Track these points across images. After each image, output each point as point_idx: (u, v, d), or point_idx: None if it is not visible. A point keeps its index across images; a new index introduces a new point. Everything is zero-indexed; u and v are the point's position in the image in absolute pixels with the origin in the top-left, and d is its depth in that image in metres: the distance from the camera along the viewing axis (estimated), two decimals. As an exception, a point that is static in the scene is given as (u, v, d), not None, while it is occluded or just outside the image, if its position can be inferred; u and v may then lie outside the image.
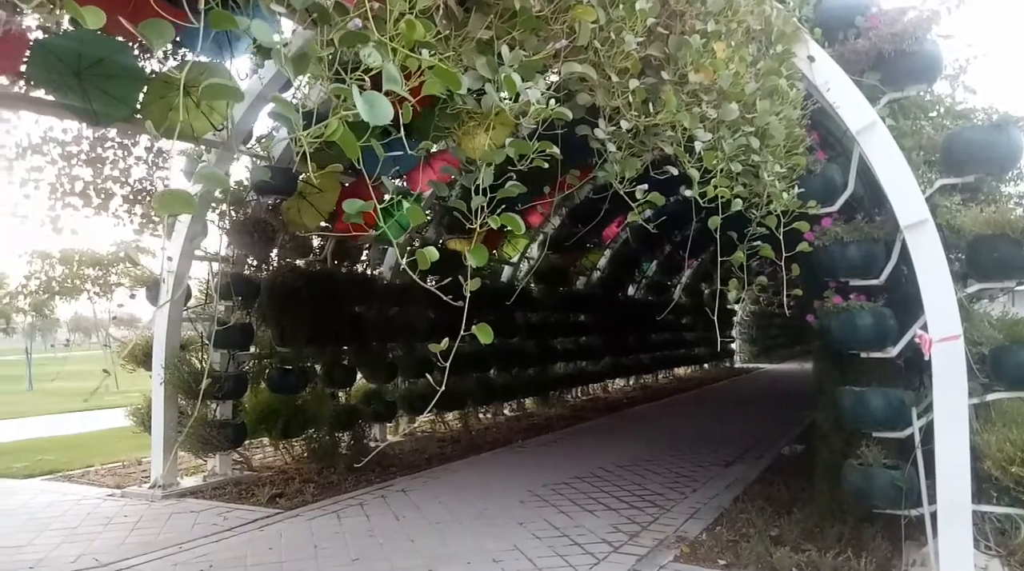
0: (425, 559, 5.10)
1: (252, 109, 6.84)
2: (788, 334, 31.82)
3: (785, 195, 4.13)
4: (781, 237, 4.16)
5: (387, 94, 2.33)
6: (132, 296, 7.35)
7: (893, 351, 4.80)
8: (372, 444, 9.28)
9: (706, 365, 23.08)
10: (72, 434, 12.20)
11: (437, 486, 7.48)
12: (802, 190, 4.43)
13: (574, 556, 5.14)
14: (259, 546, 5.45)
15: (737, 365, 26.13)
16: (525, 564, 4.99)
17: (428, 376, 10.19)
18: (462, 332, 3.06)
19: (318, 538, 5.63)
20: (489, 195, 2.92)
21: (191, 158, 7.07)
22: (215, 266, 7.39)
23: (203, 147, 6.91)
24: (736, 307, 26.39)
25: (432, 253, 2.61)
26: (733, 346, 26.79)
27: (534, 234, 12.64)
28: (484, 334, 2.95)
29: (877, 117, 4.70)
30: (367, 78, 2.35)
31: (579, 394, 15.26)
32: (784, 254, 4.13)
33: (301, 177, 7.31)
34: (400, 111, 2.40)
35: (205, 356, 7.48)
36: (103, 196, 6.10)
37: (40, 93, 5.67)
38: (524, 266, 13.03)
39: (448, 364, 3.06)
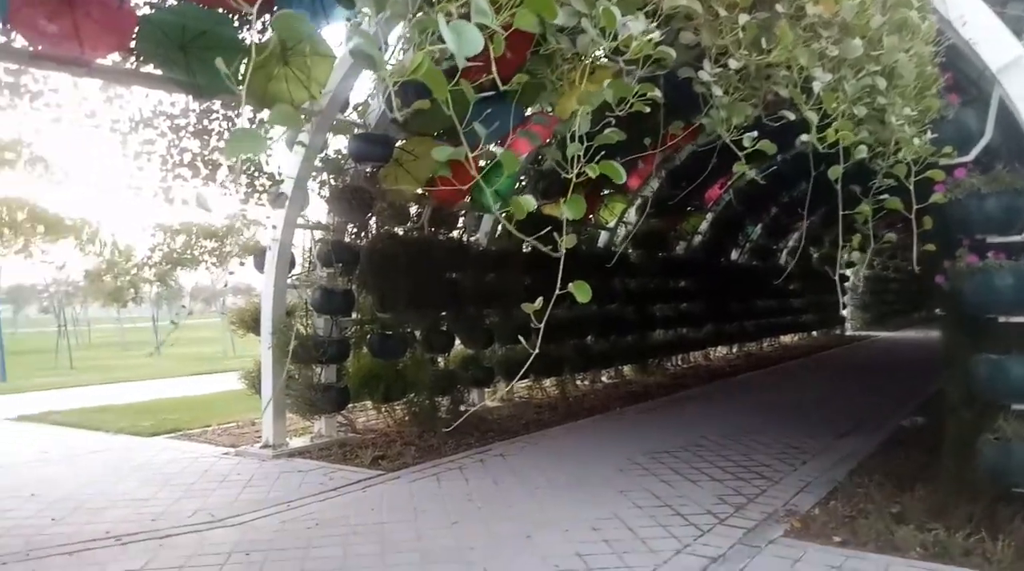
0: (522, 524, 5.06)
1: (348, 77, 6.88)
2: (905, 300, 29.98)
3: (916, 141, 3.72)
4: (912, 187, 3.76)
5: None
6: (241, 264, 7.61)
7: (1038, 315, 4.32)
8: (470, 409, 9.36)
9: (814, 333, 22.06)
10: (193, 396, 12.93)
11: (535, 452, 7.45)
12: (935, 136, 3.99)
13: (676, 527, 4.98)
14: (362, 506, 5.57)
15: (848, 333, 24.83)
16: (625, 533, 4.86)
17: (523, 341, 10.17)
18: (557, 292, 2.90)
19: (418, 500, 5.70)
20: (586, 144, 2.72)
21: (291, 128, 7.19)
22: (317, 234, 7.55)
23: (302, 116, 7.01)
24: (848, 272, 25.01)
25: (529, 202, 2.45)
26: (844, 313, 25.45)
27: (632, 198, 12.30)
28: (582, 292, 2.78)
29: (1023, 51, 4.17)
30: (453, 9, 2.20)
31: (679, 362, 14.89)
32: (915, 206, 3.74)
33: (397, 144, 7.33)
34: (491, 46, 2.23)
35: (309, 322, 7.70)
36: (210, 167, 6.30)
37: (149, 68, 5.88)
38: (621, 232, 12.72)
39: (542, 328, 2.91)
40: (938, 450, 5.62)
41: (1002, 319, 4.52)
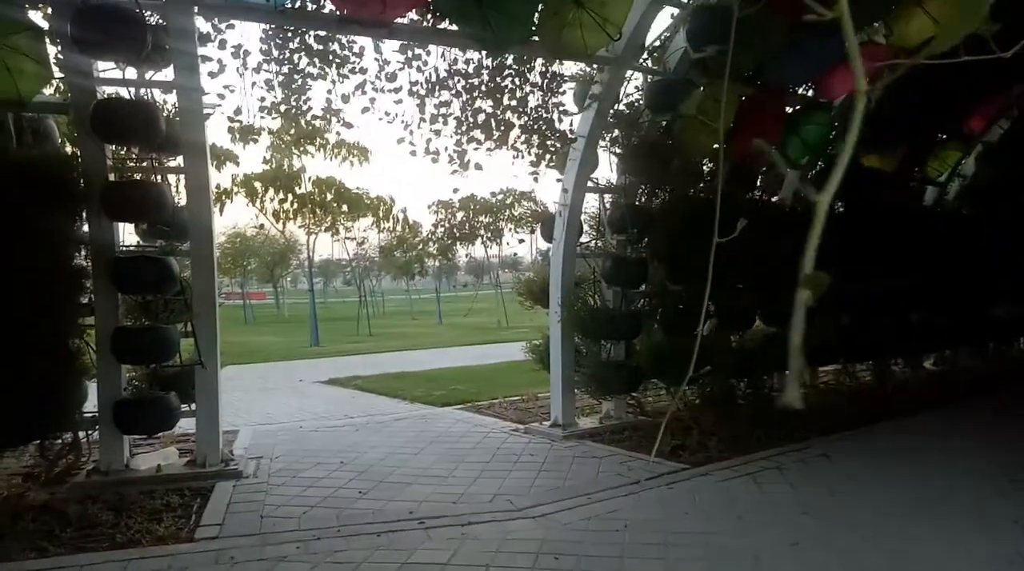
0: (890, 558, 3.96)
1: (646, 17, 6.09)
2: None
3: None
4: None
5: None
6: (521, 241, 7.29)
7: None
8: (772, 395, 8.21)
9: None
10: (475, 365, 13.28)
11: (863, 453, 6.18)
12: None
13: None
14: (673, 508, 4.84)
15: None
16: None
17: (834, 320, 8.76)
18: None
19: (740, 507, 4.83)
20: None
21: (582, 82, 6.61)
22: (607, 198, 6.92)
23: (596, 67, 6.38)
24: None
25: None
26: None
27: (971, 145, 10.06)
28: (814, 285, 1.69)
29: None
30: None
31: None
32: None
33: (699, 89, 6.40)
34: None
35: (597, 293, 7.13)
36: (503, 127, 5.91)
37: (445, 25, 5.59)
38: (954, 186, 10.50)
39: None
40: None
41: None
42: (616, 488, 5.28)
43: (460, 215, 25.56)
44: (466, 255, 32.43)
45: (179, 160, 5.69)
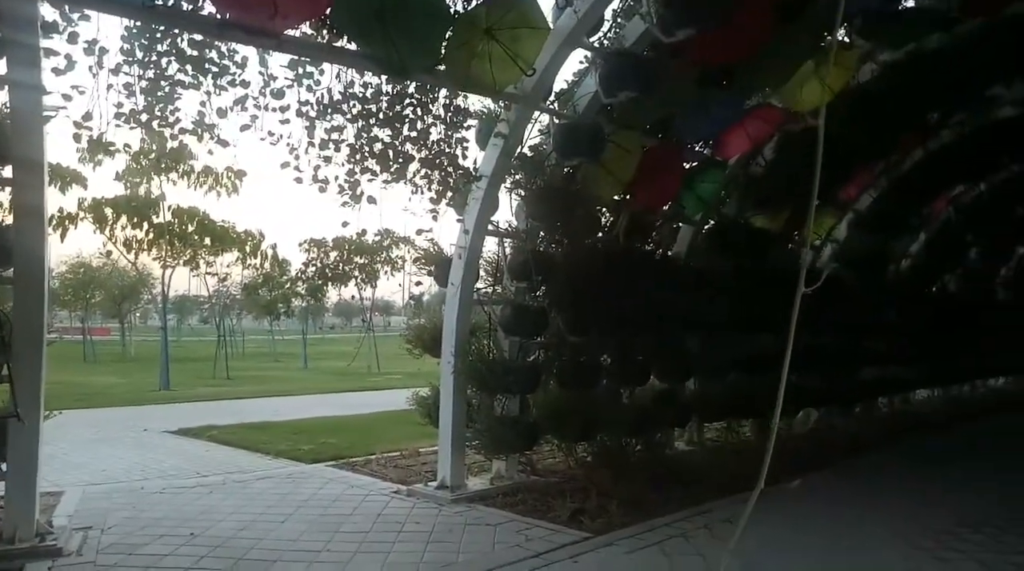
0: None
1: (557, 57, 5.80)
2: None
3: None
4: None
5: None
6: (418, 283, 6.72)
7: None
8: (664, 452, 7.98)
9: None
10: (348, 414, 12.33)
11: (772, 521, 5.96)
12: None
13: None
14: (582, 587, 4.34)
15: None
16: None
17: (726, 376, 8.72)
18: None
19: (654, 585, 4.41)
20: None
21: (487, 119, 6.22)
22: (507, 242, 6.51)
23: (502, 104, 6.01)
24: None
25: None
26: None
27: (843, 211, 10.55)
28: None
29: None
30: None
31: (885, 405, 12.77)
32: None
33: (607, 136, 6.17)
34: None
35: (494, 343, 6.64)
36: (401, 159, 5.38)
37: (342, 43, 5.04)
38: (827, 250, 10.95)
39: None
40: None
41: None
42: (516, 564, 4.72)
43: (334, 255, 24.50)
44: (338, 296, 31.18)
45: (7, 170, 4.71)
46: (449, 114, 5.62)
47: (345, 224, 6.40)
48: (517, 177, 6.27)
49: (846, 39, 7.06)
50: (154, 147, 6.52)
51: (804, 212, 9.48)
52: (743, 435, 9.59)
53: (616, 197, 7.37)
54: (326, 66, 5.10)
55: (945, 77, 7.59)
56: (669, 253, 8.23)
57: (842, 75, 7.03)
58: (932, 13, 6.37)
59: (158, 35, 4.84)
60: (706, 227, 8.48)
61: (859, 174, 9.59)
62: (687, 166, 7.86)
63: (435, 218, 5.70)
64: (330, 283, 25.49)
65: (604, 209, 7.61)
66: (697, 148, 8.02)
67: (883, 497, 6.87)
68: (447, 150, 5.62)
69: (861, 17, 6.53)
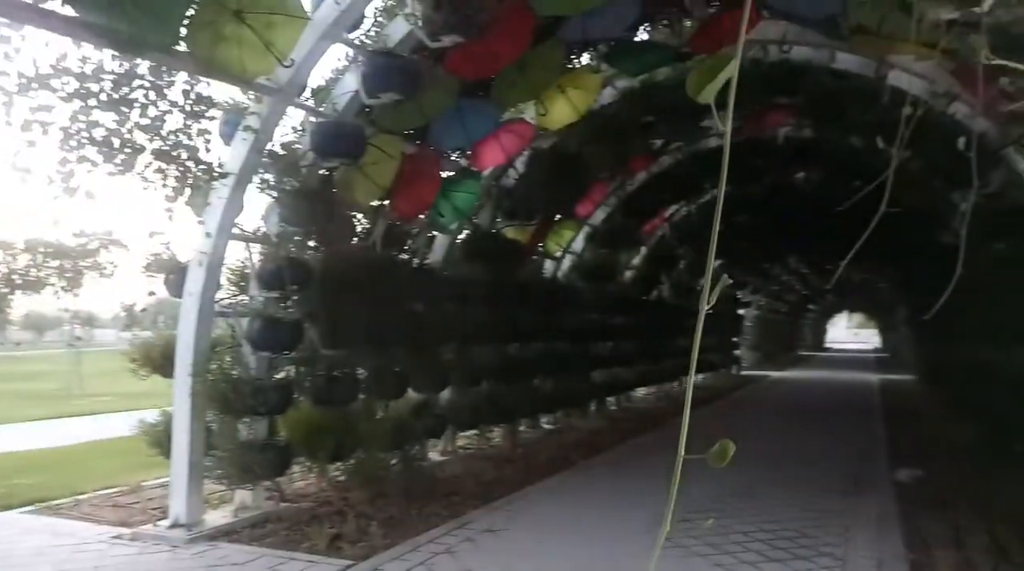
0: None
1: (316, 49, 5.41)
2: (783, 339, 31.07)
3: None
4: None
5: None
6: (151, 293, 5.85)
7: None
8: (421, 465, 7.85)
9: (714, 373, 21.92)
10: (43, 448, 10.42)
11: (527, 523, 6.10)
12: None
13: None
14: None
15: (743, 372, 25.06)
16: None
17: (479, 384, 8.84)
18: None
19: (427, 610, 4.21)
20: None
21: (233, 110, 5.60)
22: (254, 248, 5.92)
23: (252, 95, 5.46)
24: (743, 311, 25.47)
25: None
26: (737, 352, 25.74)
27: (581, 224, 11.33)
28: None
29: None
30: None
31: (614, 404, 13.97)
32: None
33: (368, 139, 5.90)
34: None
35: (237, 360, 6.00)
36: (128, 150, 4.60)
37: (56, 5, 4.18)
38: (567, 261, 11.69)
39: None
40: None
41: None
42: (273, 606, 4.24)
43: (24, 259, 20.80)
44: (28, 307, 26.54)
45: None
46: (189, 102, 4.93)
47: (56, 222, 5.34)
48: (267, 176, 5.72)
49: (592, 63, 7.56)
50: None
51: (549, 224, 10.03)
52: (492, 441, 9.84)
53: (374, 203, 7.12)
54: (32, 31, 4.19)
55: (667, 106, 8.45)
56: (425, 262, 8.14)
57: (587, 97, 7.50)
58: (665, 47, 7.04)
59: None
60: (459, 237, 8.56)
61: (595, 191, 10.35)
62: (444, 175, 7.85)
63: (170, 218, 4.95)
64: (18, 291, 21.61)
65: (360, 215, 7.31)
66: (454, 157, 8.05)
67: (617, 490, 7.39)
68: (186, 142, 4.92)
69: (605, 44, 7.02)
